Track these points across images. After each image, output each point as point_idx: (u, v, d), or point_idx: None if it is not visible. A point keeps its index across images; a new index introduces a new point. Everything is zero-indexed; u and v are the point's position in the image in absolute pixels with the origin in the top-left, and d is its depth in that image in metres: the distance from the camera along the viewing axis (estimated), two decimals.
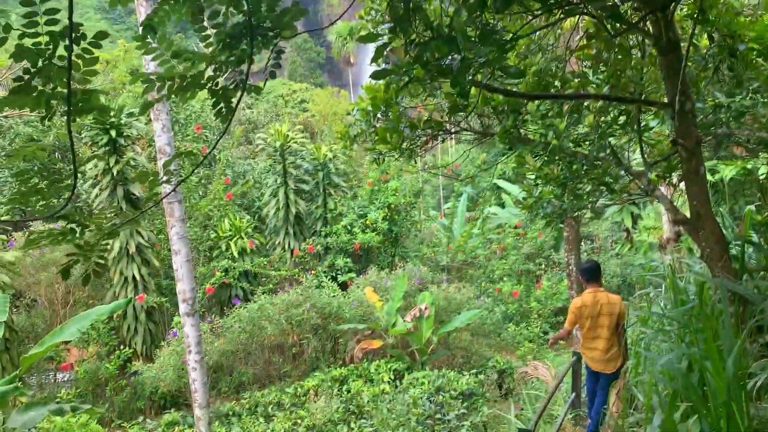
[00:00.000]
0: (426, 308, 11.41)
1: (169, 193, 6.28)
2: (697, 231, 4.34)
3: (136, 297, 12.47)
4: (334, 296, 11.92)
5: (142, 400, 11.42)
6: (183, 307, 6.22)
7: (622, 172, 5.43)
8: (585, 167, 4.73)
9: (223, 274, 13.58)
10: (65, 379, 12.42)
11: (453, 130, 5.73)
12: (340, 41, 52.02)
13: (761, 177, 6.38)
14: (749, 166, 6.49)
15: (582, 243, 17.69)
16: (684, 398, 4.37)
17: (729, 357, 3.13)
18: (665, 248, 14.36)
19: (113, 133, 12.50)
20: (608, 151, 4.93)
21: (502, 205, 31.74)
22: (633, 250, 11.40)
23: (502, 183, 32.32)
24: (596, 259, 21.79)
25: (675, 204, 4.94)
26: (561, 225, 22.47)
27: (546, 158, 4.58)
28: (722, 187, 9.38)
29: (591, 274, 6.41)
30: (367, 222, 15.60)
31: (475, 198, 37.86)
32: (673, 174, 5.83)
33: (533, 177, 5.66)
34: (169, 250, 14.18)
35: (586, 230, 22.22)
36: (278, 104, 49.55)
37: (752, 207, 6.95)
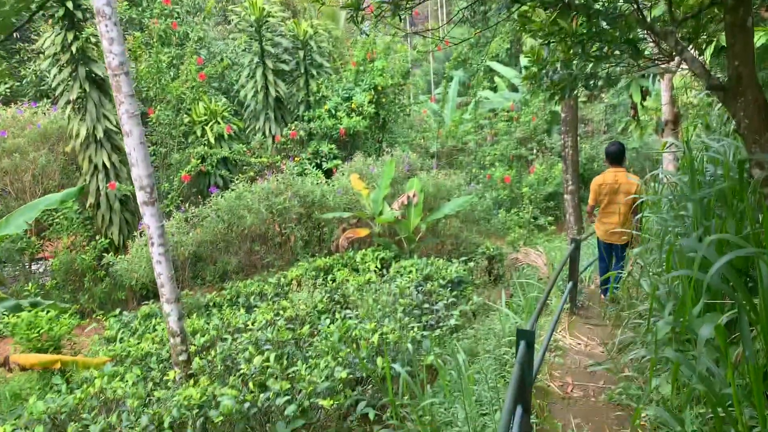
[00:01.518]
0: (414, 195, 10.84)
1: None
2: (736, 98, 3.63)
3: (108, 184, 11.77)
4: (317, 184, 11.28)
5: (122, 291, 11.08)
6: (141, 196, 5.56)
7: (645, 33, 4.63)
8: (606, 22, 3.91)
9: (200, 161, 12.82)
10: (41, 270, 12.01)
11: None
12: None
13: None
14: None
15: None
16: (708, 293, 3.86)
17: None
18: (664, 131, 13.70)
19: (69, 4, 11.23)
20: (632, 3, 4.09)
21: (495, 89, 30.66)
22: (637, 129, 10.69)
23: (495, 65, 31.01)
24: (612, 142, 21.23)
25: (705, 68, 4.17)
26: (556, 108, 21.61)
27: (558, 9, 3.74)
28: None
29: (614, 155, 6.89)
30: (353, 105, 14.66)
31: (466, 82, 36.54)
32: (700, 37, 5.02)
33: (540, 39, 4.82)
34: (146, 134, 13.39)
35: (579, 113, 21.40)
36: None
37: None
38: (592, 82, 5.26)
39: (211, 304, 9.68)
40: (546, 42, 4.37)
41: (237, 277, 11.00)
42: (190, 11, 19.56)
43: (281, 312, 8.37)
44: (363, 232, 10.76)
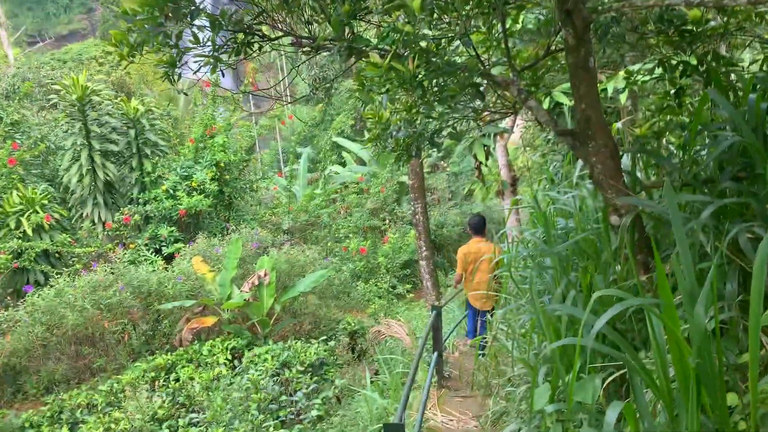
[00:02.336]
0: (266, 274, 10.05)
1: None
2: (586, 143, 3.45)
3: None
4: (153, 271, 10.10)
5: None
6: None
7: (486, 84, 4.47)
8: (444, 68, 3.62)
9: (12, 256, 11.08)
10: None
11: (273, 36, 4.35)
12: None
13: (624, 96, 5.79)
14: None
15: None
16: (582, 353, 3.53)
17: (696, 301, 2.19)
18: (503, 194, 14.29)
19: None
20: (471, 50, 3.88)
21: (344, 164, 31.05)
22: (483, 189, 10.86)
23: (342, 141, 31.58)
24: (435, 211, 21.85)
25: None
26: (403, 178, 22.09)
27: (395, 54, 3.39)
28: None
29: (476, 226, 7.63)
30: (193, 184, 13.71)
31: (315, 158, 36.75)
32: (539, 89, 4.99)
33: (379, 91, 4.47)
34: None
35: (425, 183, 22.08)
36: (91, 67, 44.16)
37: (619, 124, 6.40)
38: (436, 139, 5.01)
39: (27, 425, 8.03)
40: (385, 91, 4.01)
41: (65, 387, 9.36)
42: (4, 93, 17.72)
43: (113, 426, 7.09)
44: (210, 321, 9.70)
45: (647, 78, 5.23)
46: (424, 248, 12.67)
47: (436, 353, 6.35)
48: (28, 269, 11.59)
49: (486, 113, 5.60)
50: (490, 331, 6.86)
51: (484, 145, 7.91)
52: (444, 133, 4.95)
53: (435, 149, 5.39)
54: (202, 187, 13.82)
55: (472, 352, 8.03)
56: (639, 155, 4.09)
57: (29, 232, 11.78)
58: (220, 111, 15.90)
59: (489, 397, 5.99)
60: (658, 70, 4.24)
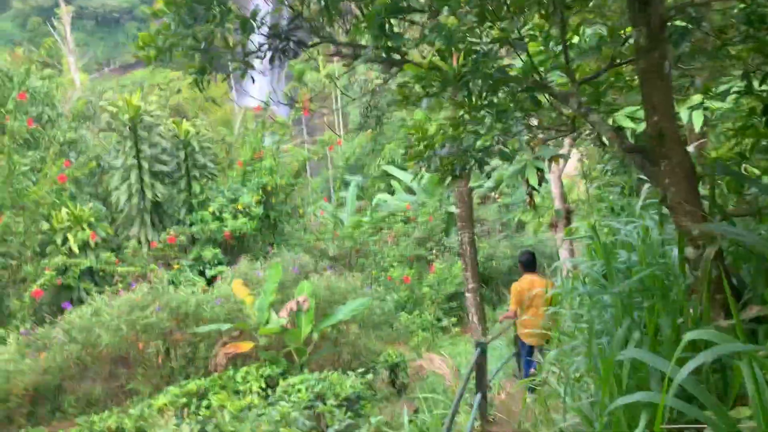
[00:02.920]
0: (305, 300, 9.72)
1: None
2: (658, 162, 2.98)
3: None
4: (192, 293, 9.92)
5: None
6: None
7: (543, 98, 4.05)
8: (491, 74, 3.23)
9: (56, 273, 11.13)
10: None
11: (310, 43, 4.05)
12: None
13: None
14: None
15: None
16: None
17: None
18: (556, 227, 13.64)
19: None
20: (525, 57, 3.48)
21: (392, 193, 30.83)
22: (535, 218, 10.32)
23: (391, 169, 31.40)
24: (484, 242, 21.22)
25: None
26: (453, 205, 21.59)
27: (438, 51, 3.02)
28: None
29: (527, 263, 7.63)
30: (239, 206, 13.62)
31: (364, 186, 36.71)
32: (600, 106, 4.54)
33: (421, 96, 4.12)
34: None
35: (475, 214, 21.56)
36: (152, 92, 45.75)
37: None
38: (484, 158, 4.59)
39: None
40: (425, 95, 3.64)
41: (102, 408, 9.20)
42: (60, 114, 18.23)
43: None
44: (246, 346, 9.41)
45: (724, 98, 4.70)
46: (471, 280, 12.11)
47: (479, 394, 5.82)
48: (71, 287, 11.63)
49: (540, 132, 5.17)
50: (540, 371, 6.35)
51: (538, 169, 7.41)
52: (493, 150, 4.54)
53: (483, 172, 4.98)
54: (247, 209, 13.72)
55: (520, 394, 7.45)
56: (718, 179, 3.57)
57: (75, 249, 11.88)
58: (270, 136, 15.92)
59: None
60: (740, 83, 3.73)
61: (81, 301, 11.55)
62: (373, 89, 25.37)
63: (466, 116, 4.61)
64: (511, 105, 4.19)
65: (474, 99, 4.22)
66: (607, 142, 4.73)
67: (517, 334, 7.87)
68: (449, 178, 5.13)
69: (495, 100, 4.24)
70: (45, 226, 12.00)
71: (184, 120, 15.00)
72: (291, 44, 3.87)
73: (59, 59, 33.65)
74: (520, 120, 4.37)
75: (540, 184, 7.77)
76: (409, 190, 28.98)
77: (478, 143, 4.19)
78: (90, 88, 31.52)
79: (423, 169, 5.23)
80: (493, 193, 27.19)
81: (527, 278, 7.44)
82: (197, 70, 3.86)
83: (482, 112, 4.41)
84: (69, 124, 14.63)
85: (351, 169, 42.08)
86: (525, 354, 7.62)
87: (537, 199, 17.84)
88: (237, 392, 8.59)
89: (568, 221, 13.41)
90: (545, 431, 5.12)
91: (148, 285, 9.67)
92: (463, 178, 4.91)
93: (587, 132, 6.40)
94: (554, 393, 5.41)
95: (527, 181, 7.66)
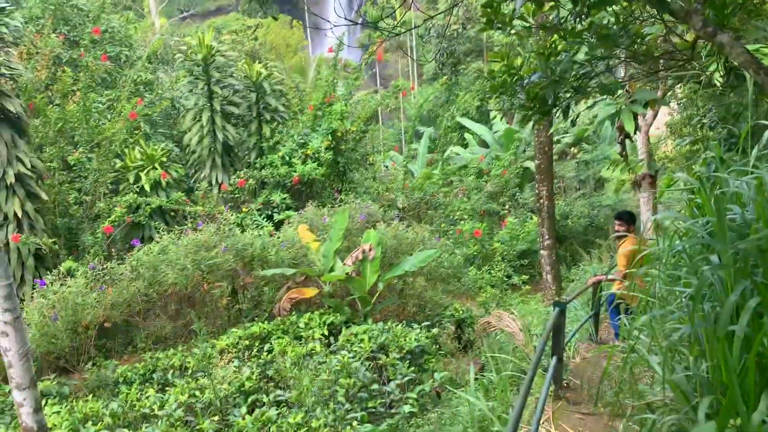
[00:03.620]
0: (371, 249, 9.40)
1: None
2: None
3: (11, 236, 10.10)
4: (259, 236, 9.76)
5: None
6: None
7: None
8: None
9: (126, 210, 11.24)
10: None
11: None
12: None
13: None
14: None
15: None
16: None
17: None
18: (640, 185, 12.65)
19: None
20: None
21: (465, 146, 29.98)
22: (624, 170, 9.50)
23: (465, 122, 30.48)
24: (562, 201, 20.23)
25: None
26: (528, 160, 20.68)
27: None
28: None
29: (632, 220, 7.06)
30: (308, 151, 13.35)
31: (436, 138, 35.93)
32: (725, 26, 3.79)
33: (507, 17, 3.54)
34: (69, 181, 11.79)
35: None
36: (234, 40, 46.02)
37: None
38: (578, 92, 3.95)
39: (121, 380, 7.94)
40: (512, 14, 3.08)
41: (168, 345, 9.32)
42: (139, 57, 18.36)
43: (198, 394, 6.73)
44: (310, 292, 9.22)
45: None
46: (547, 237, 11.47)
47: (555, 357, 5.32)
48: (143, 224, 11.76)
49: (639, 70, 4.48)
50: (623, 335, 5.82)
51: (635, 115, 6.59)
52: (589, 84, 3.89)
53: (568, 114, 4.34)
54: (317, 155, 13.43)
55: (596, 359, 6.90)
56: None
57: (147, 188, 11.95)
58: (342, 81, 15.47)
59: (619, 419, 4.90)
60: None
61: (151, 239, 11.68)
62: (450, 34, 24.35)
63: (559, 44, 3.98)
64: (614, 27, 3.54)
65: (571, 21, 3.59)
66: (718, 80, 4.00)
67: (608, 295, 7.39)
68: (534, 119, 4.52)
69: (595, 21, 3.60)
70: (118, 164, 12.13)
71: (257, 62, 14.71)
72: None
73: (141, 3, 34.22)
74: (626, 45, 3.71)
75: (635, 132, 6.97)
76: (483, 143, 28.04)
77: (573, 71, 3.58)
78: (169, 32, 31.84)
79: (505, 105, 4.64)
80: (572, 149, 25.93)
81: (633, 238, 6.92)
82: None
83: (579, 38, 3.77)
84: (144, 64, 14.65)
85: (423, 121, 41.18)
86: (614, 315, 7.23)
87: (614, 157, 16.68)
88: (299, 338, 8.43)
89: (653, 181, 12.43)
90: (630, 402, 4.59)
91: (215, 226, 9.57)
92: (549, 116, 4.29)
93: (692, 71, 5.57)
94: (641, 360, 4.86)
95: (620, 128, 6.87)
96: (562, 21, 3.92)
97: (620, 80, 3.95)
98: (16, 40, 11.21)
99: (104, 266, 8.68)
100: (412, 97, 34.22)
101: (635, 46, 3.65)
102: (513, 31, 4.02)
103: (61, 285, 8.15)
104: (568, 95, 4.25)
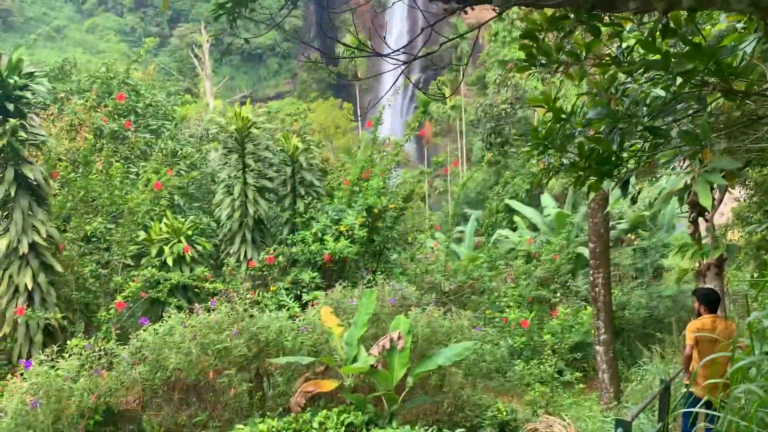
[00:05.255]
0: (400, 337, 8.29)
1: None
2: None
3: (15, 310, 9.48)
4: (277, 318, 8.81)
5: None
6: None
7: None
8: None
9: (145, 285, 10.55)
10: None
11: None
12: (348, 54, 49.95)
13: None
14: None
15: None
16: None
17: None
18: (705, 275, 11.28)
19: None
20: None
21: (514, 229, 29.01)
22: (696, 255, 8.29)
23: (514, 204, 29.63)
24: (622, 290, 18.73)
25: None
26: (582, 245, 19.39)
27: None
28: None
29: (710, 302, 6.73)
30: (342, 228, 12.56)
31: (483, 222, 35.01)
32: None
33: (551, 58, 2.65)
34: (88, 253, 11.27)
35: None
36: (285, 121, 47.16)
37: None
38: (655, 136, 2.97)
39: None
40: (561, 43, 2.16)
41: None
42: (192, 135, 18.37)
43: None
44: (329, 385, 8.10)
45: None
46: (603, 330, 10.13)
47: None
48: (161, 301, 11.04)
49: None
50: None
51: (711, 187, 5.48)
52: (666, 129, 2.90)
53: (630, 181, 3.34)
54: (350, 232, 12.62)
55: None
56: None
57: (170, 262, 11.32)
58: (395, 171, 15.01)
59: None
60: None
61: (147, 317, 10.95)
62: (498, 114, 23.91)
63: (621, 76, 3.07)
64: (698, 61, 2.58)
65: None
66: None
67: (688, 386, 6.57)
68: (589, 182, 3.52)
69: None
70: (142, 236, 11.59)
71: (294, 135, 14.31)
72: None
73: (197, 86, 35.45)
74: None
75: (708, 210, 5.90)
76: (533, 227, 26.95)
77: (649, 103, 2.61)
78: (222, 112, 32.65)
79: (550, 165, 3.68)
80: (629, 235, 24.49)
81: (709, 317, 6.74)
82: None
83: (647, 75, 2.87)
84: (183, 137, 14.46)
85: (472, 203, 40.43)
86: (686, 414, 6.77)
87: (681, 236, 15.26)
88: None
89: (720, 270, 11.05)
90: None
91: (230, 306, 8.70)
92: (610, 178, 3.29)
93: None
94: None
95: (692, 204, 5.77)
96: (626, 54, 3.00)
97: (704, 130, 2.94)
98: (43, 106, 11.08)
99: (101, 347, 7.84)
100: (460, 179, 33.65)
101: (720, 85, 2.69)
102: (561, 69, 3.10)
103: (52, 367, 7.33)
104: (630, 155, 3.27)
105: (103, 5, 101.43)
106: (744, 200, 16.86)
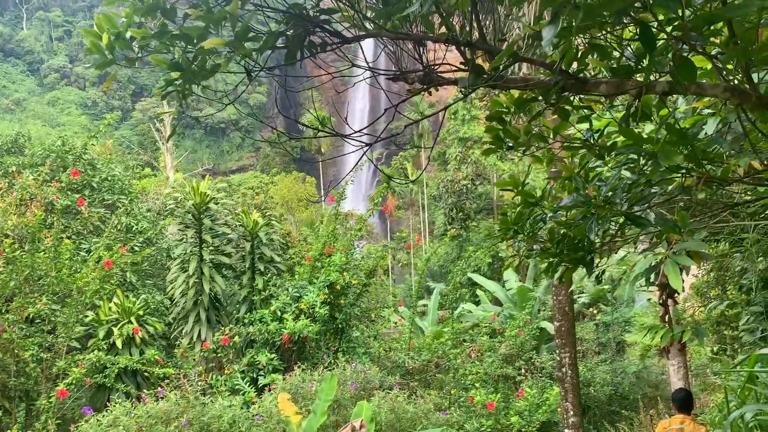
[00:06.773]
0: (362, 426, 7.81)
1: None
2: None
3: None
4: (230, 406, 8.25)
5: None
6: None
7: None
8: None
9: (91, 371, 9.86)
10: None
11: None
12: (311, 132, 50.67)
13: None
14: None
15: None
16: None
17: None
18: (668, 352, 11.21)
19: None
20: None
21: (477, 303, 28.92)
22: (666, 338, 8.14)
23: (477, 278, 29.65)
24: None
25: None
26: (545, 321, 19.26)
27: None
28: None
29: (682, 403, 6.81)
30: (302, 306, 12.14)
31: (447, 295, 34.74)
32: None
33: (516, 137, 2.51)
34: (28, 335, 10.56)
35: None
36: (247, 195, 46.92)
37: None
38: (633, 224, 2.84)
39: None
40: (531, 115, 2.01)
41: None
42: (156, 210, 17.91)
43: None
44: None
45: None
46: (572, 413, 9.81)
47: None
48: (107, 387, 10.31)
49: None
50: None
51: (680, 266, 5.37)
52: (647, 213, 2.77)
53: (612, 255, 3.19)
54: (311, 310, 12.19)
55: None
56: None
57: (119, 344, 10.67)
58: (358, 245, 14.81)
59: None
60: None
61: (90, 407, 10.19)
62: (459, 189, 24.19)
63: (594, 160, 2.95)
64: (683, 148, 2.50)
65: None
66: None
67: None
68: (560, 269, 3.35)
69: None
70: (90, 316, 10.95)
71: (255, 209, 14.02)
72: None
73: (156, 158, 35.11)
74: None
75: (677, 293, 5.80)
76: (496, 301, 26.87)
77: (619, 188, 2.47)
78: (180, 186, 32.27)
79: (520, 251, 3.50)
80: (590, 309, 24.54)
81: (678, 418, 6.72)
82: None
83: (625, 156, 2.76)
84: (140, 211, 14.04)
85: (435, 276, 40.27)
86: None
87: (647, 318, 15.28)
88: None
89: (683, 346, 11.01)
90: None
91: (180, 393, 8.12)
92: (591, 264, 3.12)
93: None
94: None
95: (662, 286, 5.66)
96: (596, 137, 2.91)
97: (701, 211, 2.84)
98: None
99: None
100: (423, 252, 33.62)
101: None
102: (529, 153, 2.99)
103: None
104: (599, 240, 3.13)
105: (66, 79, 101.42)
106: (701, 276, 17.09)
